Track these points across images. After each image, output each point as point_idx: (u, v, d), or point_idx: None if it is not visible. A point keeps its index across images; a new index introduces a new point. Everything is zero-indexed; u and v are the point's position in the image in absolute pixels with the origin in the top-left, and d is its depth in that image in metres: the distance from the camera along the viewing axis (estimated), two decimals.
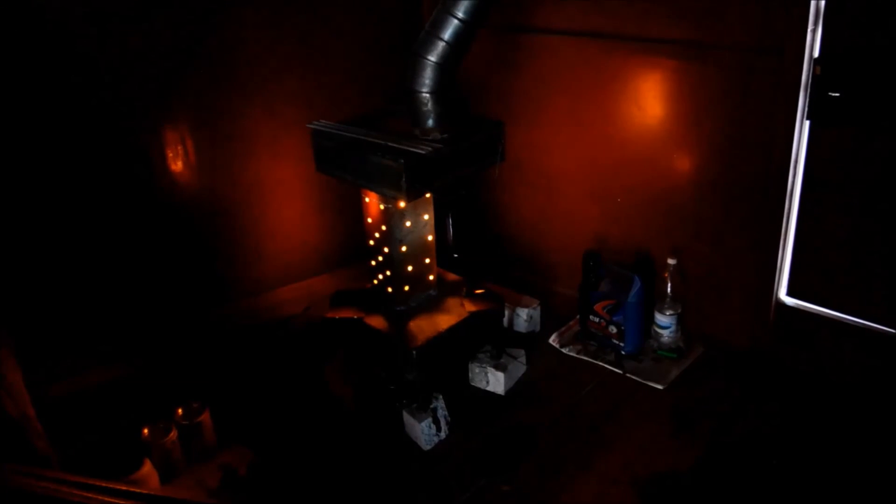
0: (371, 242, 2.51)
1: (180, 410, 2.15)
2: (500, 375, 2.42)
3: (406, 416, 2.24)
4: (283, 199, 3.01)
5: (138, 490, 1.39)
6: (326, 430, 2.32)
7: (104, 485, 1.32)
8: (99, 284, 2.57)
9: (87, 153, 2.45)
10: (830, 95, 2.07)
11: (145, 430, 2.06)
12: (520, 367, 2.52)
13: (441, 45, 2.17)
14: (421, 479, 2.11)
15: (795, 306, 2.41)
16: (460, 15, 2.13)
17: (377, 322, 2.46)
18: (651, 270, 2.67)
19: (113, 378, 2.52)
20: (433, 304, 2.55)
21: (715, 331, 2.62)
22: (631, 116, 2.59)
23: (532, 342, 2.70)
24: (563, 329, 2.76)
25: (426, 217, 2.47)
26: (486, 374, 2.45)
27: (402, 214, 2.36)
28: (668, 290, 2.52)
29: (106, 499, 1.30)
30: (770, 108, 2.22)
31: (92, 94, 2.42)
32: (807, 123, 2.18)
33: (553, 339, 2.71)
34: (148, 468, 1.96)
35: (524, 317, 2.77)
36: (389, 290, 2.49)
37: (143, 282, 2.68)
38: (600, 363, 2.57)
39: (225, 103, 2.72)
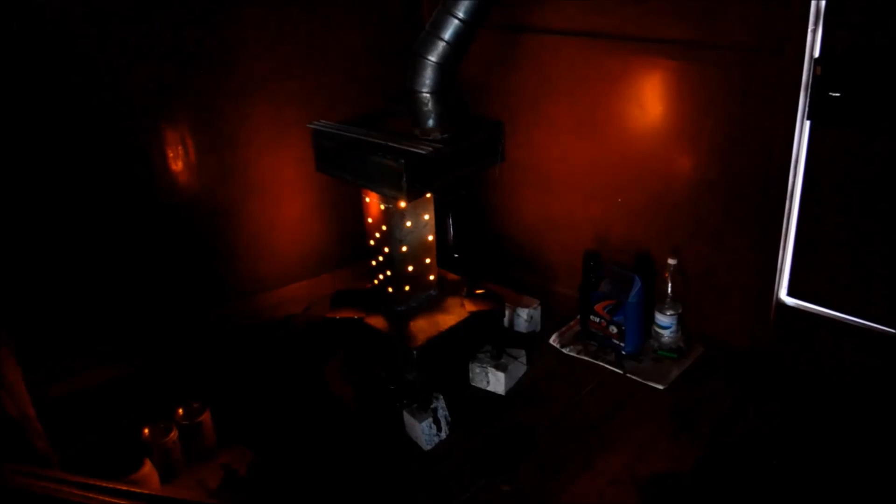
0: (371, 242, 2.51)
1: (181, 410, 2.15)
2: (501, 375, 2.42)
3: (406, 416, 2.24)
4: (284, 199, 3.01)
5: (138, 490, 1.39)
6: (326, 430, 2.32)
7: (104, 485, 1.32)
8: (99, 284, 2.57)
9: (88, 153, 2.45)
10: (830, 95, 2.07)
11: (146, 430, 2.06)
12: (520, 368, 2.52)
13: (441, 45, 2.17)
14: (421, 479, 2.11)
15: (795, 306, 2.41)
16: (460, 15, 2.13)
17: (377, 322, 2.46)
18: (651, 270, 2.67)
19: (113, 378, 2.52)
20: (433, 304, 2.55)
21: (715, 331, 2.62)
22: (631, 116, 2.59)
23: (532, 342, 2.70)
24: (564, 329, 2.76)
25: (426, 217, 2.47)
26: (486, 374, 2.45)
27: (403, 214, 2.36)
28: (669, 290, 2.52)
29: (106, 499, 1.30)
30: (770, 108, 2.22)
31: (92, 94, 2.42)
32: (807, 123, 2.18)
33: (553, 340, 2.71)
34: (148, 468, 1.96)
35: (524, 317, 2.77)
36: (390, 290, 2.49)
37: (144, 282, 2.68)
38: (600, 363, 2.57)
39: (225, 103, 2.72)
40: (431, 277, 2.59)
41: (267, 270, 3.03)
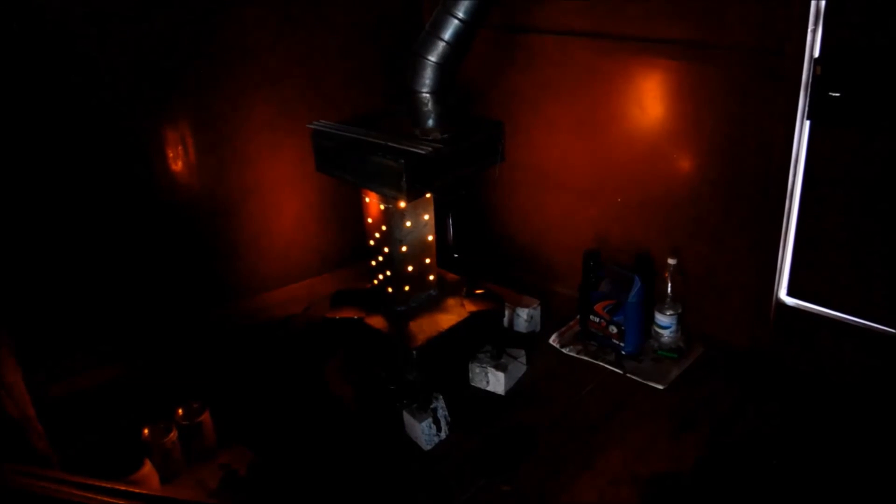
0: (371, 242, 2.51)
1: (180, 410, 2.15)
2: (501, 375, 2.42)
3: (406, 416, 2.24)
4: (284, 199, 3.01)
5: (138, 490, 1.39)
6: (326, 430, 2.32)
7: (104, 485, 1.33)
8: (99, 284, 2.57)
9: (87, 153, 2.45)
10: (830, 95, 2.07)
11: (145, 431, 2.06)
12: (520, 367, 2.52)
13: (441, 45, 2.17)
14: (421, 479, 2.11)
15: (795, 306, 2.41)
16: (460, 15, 2.13)
17: (377, 322, 2.46)
18: (651, 270, 2.67)
19: (113, 378, 2.52)
20: (433, 304, 2.55)
21: (715, 331, 2.62)
22: (631, 116, 2.59)
23: (532, 342, 2.70)
24: (564, 329, 2.77)
25: (426, 217, 2.47)
26: (486, 374, 2.45)
27: (403, 214, 2.36)
28: (669, 290, 2.52)
29: (106, 499, 1.30)
30: (770, 108, 2.22)
31: (92, 94, 2.42)
32: (807, 123, 2.18)
33: (553, 340, 2.71)
34: (148, 468, 1.96)
35: (524, 317, 2.77)
36: (390, 290, 2.49)
37: (144, 282, 2.68)
38: (600, 363, 2.57)
39: (225, 103, 2.72)
40: (431, 277, 2.59)
41: (267, 270, 3.03)
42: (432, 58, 2.19)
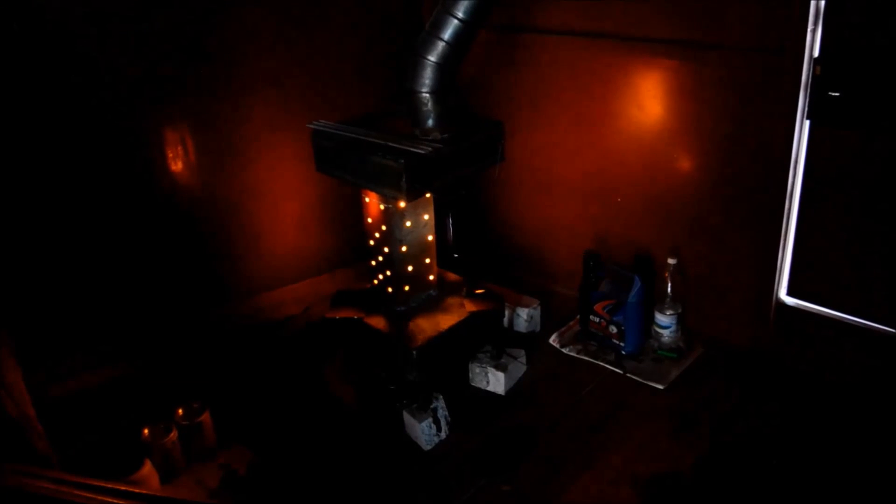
0: (371, 242, 2.51)
1: (181, 410, 2.15)
2: (501, 375, 2.42)
3: (406, 417, 2.24)
4: (284, 199, 3.01)
5: (138, 490, 1.39)
6: (326, 430, 2.32)
7: (104, 485, 1.33)
8: (99, 284, 2.57)
9: (87, 153, 2.45)
10: (830, 95, 2.07)
11: (145, 431, 2.07)
12: (520, 367, 2.52)
13: (441, 45, 2.17)
14: (421, 479, 2.11)
15: (795, 306, 2.41)
16: (460, 15, 2.13)
17: (377, 322, 2.46)
18: (651, 270, 2.67)
19: (113, 378, 2.52)
20: (433, 304, 2.55)
21: (715, 331, 2.62)
22: (631, 116, 2.59)
23: (532, 342, 2.70)
24: (564, 329, 2.76)
25: (426, 217, 2.47)
26: (486, 374, 2.45)
27: (403, 214, 2.36)
28: (669, 290, 2.52)
29: (106, 499, 1.30)
30: (770, 108, 2.22)
31: (92, 94, 2.42)
32: (807, 123, 2.18)
33: (553, 339, 2.71)
34: (148, 468, 1.97)
35: (524, 317, 2.77)
36: (390, 290, 2.49)
37: (144, 282, 2.68)
38: (600, 363, 2.57)
39: (225, 103, 2.72)
40: (431, 277, 2.59)
41: (267, 270, 3.03)
42: (432, 58, 2.19)
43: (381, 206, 2.36)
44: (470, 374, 2.49)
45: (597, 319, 2.61)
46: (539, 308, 2.80)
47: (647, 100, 2.53)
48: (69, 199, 2.45)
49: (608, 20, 2.53)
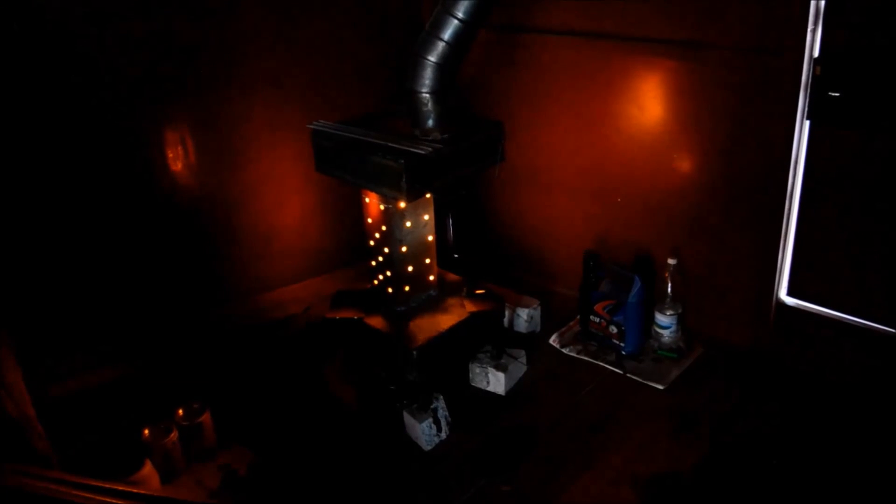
0: (371, 243, 2.51)
1: (181, 411, 2.15)
2: (501, 376, 2.42)
3: (406, 417, 2.24)
4: (284, 200, 3.01)
5: (138, 491, 1.39)
6: (326, 430, 2.32)
7: (104, 485, 1.33)
8: (99, 284, 2.57)
9: (88, 153, 2.45)
10: (830, 95, 2.07)
11: (146, 431, 2.07)
12: (520, 368, 2.52)
13: (441, 45, 2.17)
14: (421, 479, 2.11)
15: (795, 306, 2.41)
16: (460, 15, 2.13)
17: (377, 322, 2.46)
18: (651, 270, 2.67)
19: (113, 378, 2.52)
20: (433, 305, 2.55)
21: (715, 331, 2.62)
22: (631, 116, 2.59)
23: (532, 342, 2.70)
24: (564, 329, 2.76)
25: (426, 217, 2.47)
26: (486, 374, 2.45)
27: (403, 215, 2.36)
28: (669, 290, 2.52)
29: (106, 499, 1.30)
30: (770, 108, 2.22)
31: (92, 94, 2.42)
32: (807, 123, 2.18)
33: (553, 340, 2.71)
34: (148, 469, 1.97)
35: (524, 317, 2.77)
36: (390, 290, 2.49)
37: (144, 282, 2.68)
38: (601, 363, 2.57)
39: (225, 103, 2.73)
40: (431, 278, 2.59)
41: (267, 270, 3.04)
42: (432, 58, 2.19)
43: (382, 207, 2.36)
44: (470, 375, 2.49)
45: (597, 319, 2.61)
46: (539, 308, 2.80)
47: (647, 100, 2.53)
48: (69, 199, 2.45)
49: (608, 20, 2.53)
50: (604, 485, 2.03)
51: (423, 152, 2.15)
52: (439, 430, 2.23)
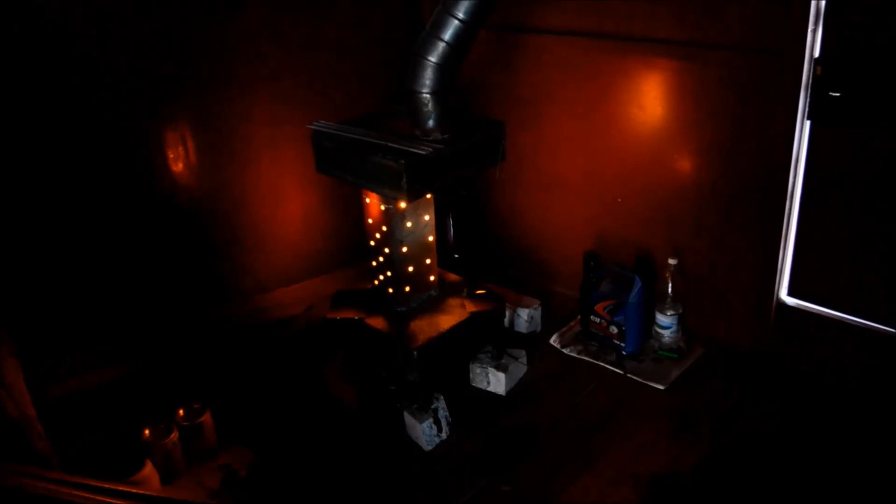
0: (372, 243, 2.51)
1: (181, 411, 2.15)
2: (501, 376, 2.42)
3: (407, 417, 2.24)
4: (284, 200, 3.01)
5: (139, 491, 1.39)
6: (327, 430, 2.32)
7: (104, 485, 1.33)
8: (99, 284, 2.57)
9: (87, 153, 2.45)
10: (831, 95, 2.07)
11: (146, 431, 2.06)
12: (521, 368, 2.52)
13: (441, 45, 2.17)
14: (421, 480, 2.11)
15: (796, 306, 2.41)
16: (460, 15, 2.13)
17: (378, 322, 2.46)
18: (651, 271, 2.67)
19: (113, 378, 2.52)
20: (434, 305, 2.55)
21: (715, 331, 2.62)
22: (631, 116, 2.59)
23: (533, 342, 2.70)
24: (564, 329, 2.76)
25: (427, 217, 2.47)
26: (486, 374, 2.45)
27: (403, 215, 2.36)
28: (669, 290, 2.52)
29: (106, 499, 1.30)
30: (770, 108, 2.22)
31: (92, 94, 2.42)
32: (807, 123, 2.18)
33: (554, 340, 2.71)
34: (149, 469, 1.96)
35: (525, 317, 2.77)
36: (390, 290, 2.49)
37: (144, 282, 2.68)
38: (601, 363, 2.57)
39: (225, 103, 2.72)
40: (432, 278, 2.59)
41: (267, 271, 3.03)
42: (432, 58, 2.19)
43: (382, 207, 2.36)
44: (470, 375, 2.49)
45: (597, 320, 2.61)
46: (540, 308, 2.80)
47: (648, 100, 2.53)
48: (69, 199, 2.45)
49: (608, 20, 2.53)
50: (604, 485, 2.03)
51: (423, 152, 2.14)
52: (440, 430, 2.23)
